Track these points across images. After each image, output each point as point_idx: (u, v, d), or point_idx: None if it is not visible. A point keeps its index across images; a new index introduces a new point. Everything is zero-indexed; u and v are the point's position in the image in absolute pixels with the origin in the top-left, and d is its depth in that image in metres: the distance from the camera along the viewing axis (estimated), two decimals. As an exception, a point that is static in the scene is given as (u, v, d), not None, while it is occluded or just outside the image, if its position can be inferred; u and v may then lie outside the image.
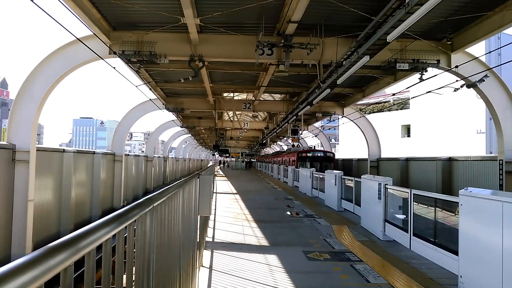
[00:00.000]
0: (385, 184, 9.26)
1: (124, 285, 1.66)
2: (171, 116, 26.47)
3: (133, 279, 1.82)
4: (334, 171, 15.25)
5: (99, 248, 1.41)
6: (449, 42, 11.59)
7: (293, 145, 25.58)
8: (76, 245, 0.98)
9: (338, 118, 25.98)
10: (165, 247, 2.57)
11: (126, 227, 1.55)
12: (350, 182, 13.65)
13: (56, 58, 10.95)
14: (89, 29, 9.77)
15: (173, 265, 2.96)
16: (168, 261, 2.73)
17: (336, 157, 32.68)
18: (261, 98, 20.85)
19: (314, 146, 31.54)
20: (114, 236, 1.47)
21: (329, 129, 37.95)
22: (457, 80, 11.58)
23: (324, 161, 28.50)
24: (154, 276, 2.11)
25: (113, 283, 1.57)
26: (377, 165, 21.86)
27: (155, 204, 2.09)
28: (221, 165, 79.80)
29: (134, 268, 1.85)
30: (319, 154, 30.05)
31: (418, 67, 11.26)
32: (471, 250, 5.49)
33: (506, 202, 4.75)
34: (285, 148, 49.82)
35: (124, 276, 1.69)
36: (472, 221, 5.52)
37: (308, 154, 29.91)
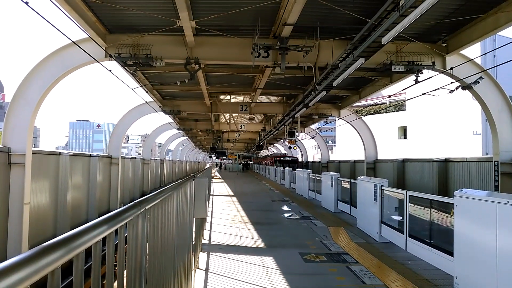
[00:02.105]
0: (381, 186, 9.29)
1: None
2: (167, 118, 26.45)
3: (124, 282, 1.82)
4: (331, 173, 15.31)
5: (90, 254, 1.41)
6: (444, 44, 11.64)
7: (290, 147, 26.71)
8: (63, 248, 0.98)
9: (335, 120, 26.03)
10: (158, 250, 2.57)
11: (117, 230, 1.56)
12: (346, 183, 13.69)
13: (52, 61, 10.92)
14: (85, 32, 9.75)
15: (167, 268, 2.96)
16: (162, 264, 2.73)
17: (332, 159, 33.99)
18: (257, 101, 20.86)
19: (286, 153, 47.97)
20: (105, 240, 1.47)
21: (326, 131, 38.16)
22: (452, 82, 11.62)
23: (291, 163, 41.01)
24: (147, 279, 2.12)
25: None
26: (374, 167, 21.89)
27: (147, 207, 2.09)
28: (218, 167, 79.61)
29: (125, 271, 1.85)
30: (287, 158, 44.36)
31: (413, 69, 11.30)
32: (466, 251, 5.51)
33: (500, 203, 4.78)
34: (282, 150, 54.29)
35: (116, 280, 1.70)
36: (467, 222, 5.55)
37: (281, 158, 45.46)
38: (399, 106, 40.59)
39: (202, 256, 7.20)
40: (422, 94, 12.74)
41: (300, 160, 43.33)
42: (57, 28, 7.01)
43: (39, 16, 6.31)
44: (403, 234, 8.08)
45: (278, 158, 45.61)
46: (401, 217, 8.48)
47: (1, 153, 10.03)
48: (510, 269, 4.63)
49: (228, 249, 7.93)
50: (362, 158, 22.94)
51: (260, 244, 8.55)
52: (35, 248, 0.89)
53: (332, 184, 14.40)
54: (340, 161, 29.73)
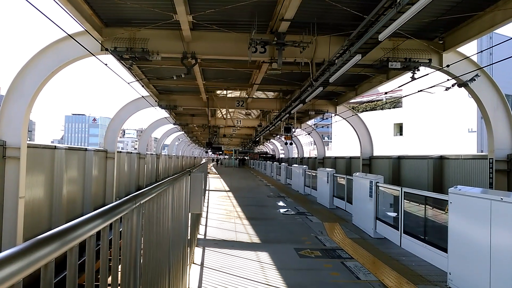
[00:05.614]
0: (377, 182, 9.32)
1: (109, 283, 1.66)
2: (164, 113, 26.37)
3: (119, 277, 1.81)
4: (327, 169, 15.34)
5: (83, 249, 1.41)
6: (441, 42, 11.64)
7: (286, 143, 26.75)
8: (57, 241, 0.98)
9: (331, 116, 26.06)
10: (153, 244, 2.57)
11: (111, 225, 1.55)
12: (342, 180, 13.72)
13: (47, 54, 10.84)
14: (80, 25, 9.69)
15: (162, 262, 2.96)
16: (157, 258, 2.72)
17: (328, 155, 34.18)
18: (254, 96, 20.82)
19: (267, 151, 69.34)
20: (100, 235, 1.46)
21: (322, 127, 38.21)
22: (448, 79, 11.65)
23: (271, 158, 57.98)
24: (141, 274, 2.11)
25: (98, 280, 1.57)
26: (369, 163, 21.95)
27: (142, 201, 2.08)
28: (214, 162, 80.00)
29: (120, 266, 1.84)
30: (269, 155, 64.19)
31: (410, 66, 11.30)
32: (460, 248, 5.55)
33: (494, 200, 4.81)
34: (278, 145, 59.77)
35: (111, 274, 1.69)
36: (461, 219, 5.58)
37: (263, 155, 65.28)
38: (395, 103, 40.64)
39: (198, 251, 7.21)
40: (419, 91, 12.76)
41: (297, 156, 44.87)
42: (52, 21, 6.95)
43: (35, 8, 6.25)
44: (398, 230, 8.12)
45: (262, 155, 66.07)
46: (396, 214, 8.52)
47: (-5, 147, 9.97)
48: (503, 266, 4.66)
49: (223, 244, 7.94)
50: (358, 154, 22.99)
51: (256, 240, 8.57)
52: (28, 242, 0.89)
53: (327, 180, 14.44)
54: (336, 157, 29.78)
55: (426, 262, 6.82)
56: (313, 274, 6.13)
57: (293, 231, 9.55)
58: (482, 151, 28.53)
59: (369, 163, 21.95)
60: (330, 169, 14.95)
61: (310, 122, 33.06)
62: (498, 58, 11.00)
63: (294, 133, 24.81)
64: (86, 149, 16.88)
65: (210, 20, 10.24)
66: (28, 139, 11.23)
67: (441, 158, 15.55)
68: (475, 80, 11.08)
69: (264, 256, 7.08)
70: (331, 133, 63.51)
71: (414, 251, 7.39)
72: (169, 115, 27.10)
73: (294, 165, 24.44)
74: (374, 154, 22.27)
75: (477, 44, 28.39)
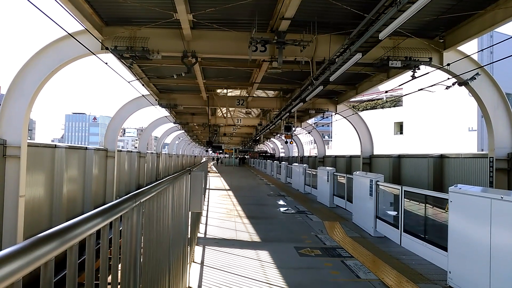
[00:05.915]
0: (377, 181, 9.32)
1: (109, 282, 1.67)
2: (164, 112, 26.37)
3: (119, 275, 1.81)
4: (327, 167, 15.35)
5: (84, 248, 1.41)
6: (442, 40, 11.64)
7: (286, 142, 26.82)
8: (57, 239, 0.98)
9: (331, 115, 26.08)
10: (153, 243, 2.57)
11: (111, 224, 1.55)
12: (342, 178, 13.73)
13: (47, 53, 10.84)
14: (81, 24, 9.68)
15: (162, 261, 2.96)
16: (157, 257, 2.73)
17: (328, 153, 34.22)
18: (254, 95, 20.81)
19: (267, 150, 74.06)
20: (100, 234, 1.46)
21: (322, 126, 38.25)
22: (449, 78, 11.64)
23: (270, 157, 61.40)
24: (141, 273, 2.12)
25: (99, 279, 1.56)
26: (370, 162, 21.95)
27: (142, 200, 2.08)
28: (214, 161, 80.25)
29: (120, 265, 1.84)
30: (268, 154, 68.97)
31: (410, 64, 11.30)
32: (460, 246, 5.55)
33: (494, 199, 4.81)
34: (279, 144, 61.28)
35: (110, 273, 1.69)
36: (461, 218, 5.58)
37: (264, 154, 69.37)
38: (396, 101, 40.60)
39: (198, 249, 7.22)
40: (419, 90, 12.74)
41: (297, 155, 44.90)
42: (52, 20, 6.95)
43: (35, 7, 6.25)
44: (398, 229, 8.13)
45: (262, 153, 70.33)
46: (396, 212, 8.52)
47: (-4, 145, 9.98)
48: (503, 264, 4.67)
49: (223, 243, 7.95)
50: (358, 153, 22.99)
51: (256, 238, 8.58)
52: (28, 240, 0.89)
53: (328, 179, 14.44)
54: (336, 156, 29.78)
55: (426, 260, 6.83)
56: (313, 272, 6.14)
57: (293, 230, 9.56)
58: (482, 150, 28.51)
59: (370, 162, 21.95)
60: (330, 168, 14.95)
61: (311, 121, 33.03)
62: (498, 57, 10.98)
63: (294, 132, 24.81)
64: (86, 148, 16.90)
65: (211, 19, 10.24)
66: (29, 138, 11.24)
67: (442, 157, 15.55)
68: (475, 78, 11.07)
69: (264, 254, 7.08)
70: (331, 132, 63.53)
71: (414, 249, 7.39)
72: (169, 114, 27.10)
73: (294, 164, 24.44)
74: (375, 153, 22.28)
75: (478, 42, 28.35)
